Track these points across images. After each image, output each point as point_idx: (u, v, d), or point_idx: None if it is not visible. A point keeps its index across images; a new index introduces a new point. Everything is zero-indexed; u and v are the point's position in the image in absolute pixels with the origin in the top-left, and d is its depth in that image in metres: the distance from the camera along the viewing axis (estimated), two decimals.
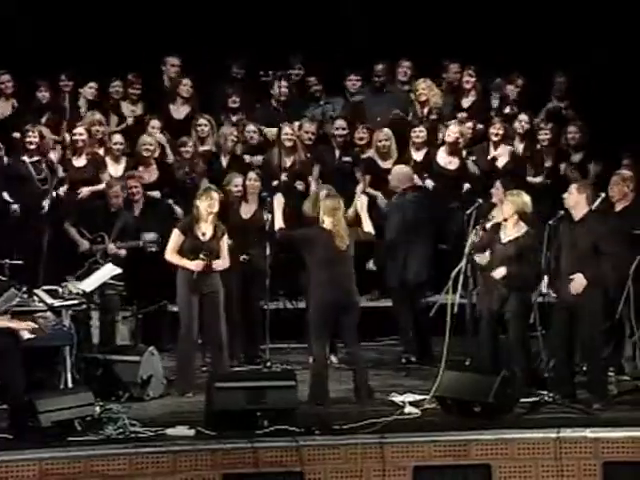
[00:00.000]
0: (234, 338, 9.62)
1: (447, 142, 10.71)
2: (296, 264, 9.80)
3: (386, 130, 10.85)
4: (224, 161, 10.74)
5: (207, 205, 8.99)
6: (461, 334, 8.92)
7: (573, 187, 8.62)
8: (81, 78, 11.16)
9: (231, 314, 9.57)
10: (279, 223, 8.83)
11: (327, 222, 8.71)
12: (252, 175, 9.99)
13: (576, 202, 8.53)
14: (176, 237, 9.03)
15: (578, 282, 8.37)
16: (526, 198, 8.82)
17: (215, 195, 9.05)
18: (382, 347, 10.22)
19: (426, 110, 11.26)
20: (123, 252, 9.74)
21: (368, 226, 8.93)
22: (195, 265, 8.90)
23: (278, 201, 8.98)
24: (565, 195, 8.59)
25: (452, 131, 10.70)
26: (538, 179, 10.75)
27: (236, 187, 10.03)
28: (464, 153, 10.87)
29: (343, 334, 8.80)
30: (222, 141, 10.77)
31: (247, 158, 10.88)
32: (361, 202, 8.95)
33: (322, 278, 8.66)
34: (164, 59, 11.52)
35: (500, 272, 8.63)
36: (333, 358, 9.70)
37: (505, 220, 8.77)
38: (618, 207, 9.28)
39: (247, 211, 9.85)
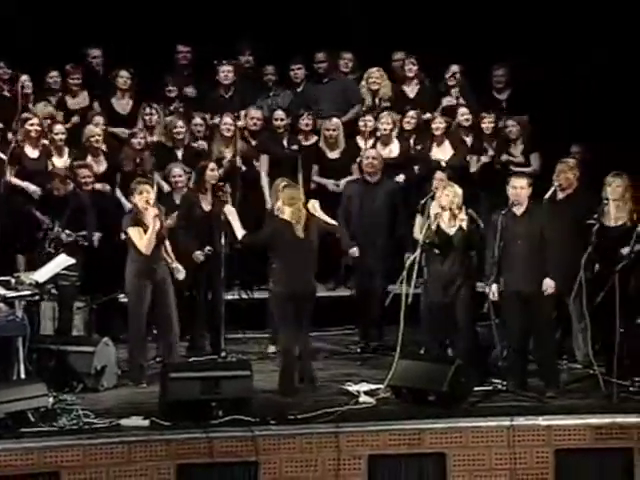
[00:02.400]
0: (199, 329, 9.62)
1: (381, 133, 10.70)
2: (251, 254, 9.87)
3: (335, 120, 10.80)
4: (179, 153, 10.64)
5: (140, 199, 8.94)
6: (416, 323, 8.96)
7: (525, 182, 8.67)
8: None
9: (197, 305, 9.59)
10: (240, 231, 8.84)
11: (286, 212, 8.72)
12: (212, 165, 9.91)
13: (526, 197, 8.63)
14: (136, 232, 8.94)
15: (548, 284, 8.49)
16: (459, 190, 8.91)
17: (146, 187, 8.98)
18: (337, 337, 10.23)
19: (377, 100, 11.22)
20: (72, 239, 9.58)
21: (329, 219, 8.95)
22: (152, 221, 8.77)
23: (229, 210, 8.98)
24: (514, 189, 8.63)
25: (385, 123, 10.67)
26: (477, 165, 10.75)
27: (174, 178, 9.98)
28: (411, 142, 10.87)
29: (298, 323, 8.77)
30: (173, 134, 10.65)
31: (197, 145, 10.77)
32: (312, 205, 8.92)
33: (282, 268, 8.68)
34: (86, 51, 11.33)
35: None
36: (273, 348, 9.69)
37: (443, 209, 8.83)
38: (562, 195, 9.34)
39: (207, 202, 9.79)
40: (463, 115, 10.89)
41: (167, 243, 9.06)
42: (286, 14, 11.62)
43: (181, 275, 9.06)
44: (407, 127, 10.91)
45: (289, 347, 8.75)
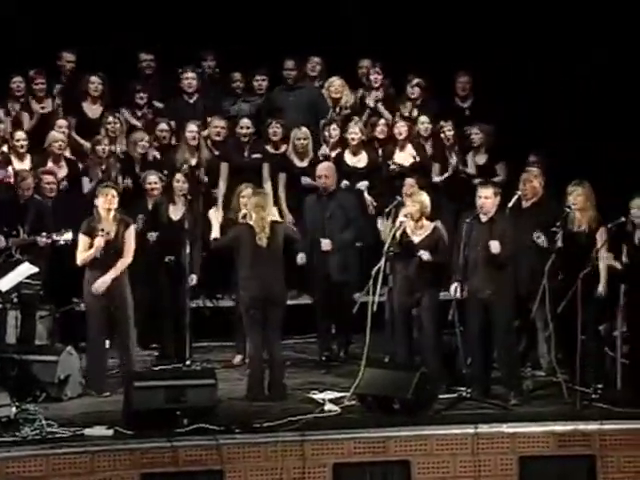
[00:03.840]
0: (166, 338, 9.62)
1: (350, 142, 10.71)
2: (216, 262, 9.89)
3: (304, 129, 10.80)
4: (137, 168, 10.58)
5: (103, 202, 8.89)
6: (381, 331, 8.99)
7: (490, 192, 8.71)
8: None
9: (161, 314, 9.57)
10: (215, 233, 8.84)
11: (253, 218, 8.75)
12: (179, 176, 9.90)
13: (493, 205, 8.67)
14: (82, 241, 8.93)
15: (494, 246, 8.48)
16: (426, 198, 8.94)
17: (112, 191, 8.95)
18: (302, 345, 10.22)
19: (338, 108, 11.23)
20: (50, 242, 9.42)
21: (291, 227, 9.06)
22: (97, 243, 8.77)
23: (211, 213, 8.96)
24: (479, 199, 8.67)
25: (353, 132, 10.68)
26: (442, 177, 10.78)
27: (149, 184, 9.98)
28: (380, 151, 10.90)
29: (265, 330, 8.80)
30: (133, 148, 10.61)
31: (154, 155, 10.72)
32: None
33: (247, 274, 8.72)
34: (59, 54, 11.26)
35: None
36: (238, 358, 9.70)
37: (409, 217, 8.84)
38: (527, 204, 9.39)
39: (176, 213, 9.76)
40: (423, 123, 10.93)
41: (127, 252, 8.92)
42: (252, 19, 11.64)
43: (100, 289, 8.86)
44: (380, 136, 10.90)
45: (256, 353, 8.75)
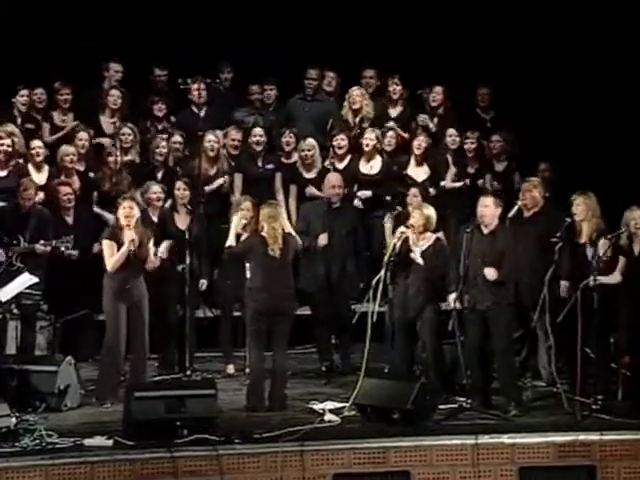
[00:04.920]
0: (170, 347, 9.62)
1: (364, 150, 10.72)
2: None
3: (309, 140, 10.80)
4: (159, 175, 10.58)
5: (122, 214, 8.95)
6: (381, 342, 8.97)
7: (490, 201, 8.70)
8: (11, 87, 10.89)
9: (168, 323, 9.57)
10: (230, 241, 8.91)
11: (265, 229, 8.75)
12: (180, 184, 9.91)
13: (493, 216, 8.66)
14: (109, 246, 8.93)
15: (489, 273, 8.50)
16: (432, 211, 8.94)
17: (130, 203, 9.00)
18: (302, 355, 10.21)
19: (358, 118, 11.18)
20: (48, 249, 9.46)
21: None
22: (125, 247, 8.80)
23: (233, 220, 9.09)
24: (479, 207, 8.68)
25: (369, 138, 10.69)
26: (457, 184, 10.76)
27: (155, 194, 9.96)
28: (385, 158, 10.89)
29: (272, 340, 8.79)
30: (153, 155, 10.63)
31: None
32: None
33: (257, 285, 8.72)
34: (107, 65, 11.27)
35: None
36: (230, 368, 9.69)
37: (412, 227, 8.83)
38: (528, 214, 9.38)
39: (182, 222, 9.79)
40: (451, 136, 10.89)
41: (153, 262, 8.98)
42: (266, 30, 11.66)
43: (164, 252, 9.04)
44: (387, 148, 10.92)
45: (258, 364, 8.73)
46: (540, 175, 10.15)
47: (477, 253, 8.61)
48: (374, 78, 11.51)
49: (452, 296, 8.61)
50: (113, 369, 8.92)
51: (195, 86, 10.89)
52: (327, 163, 10.76)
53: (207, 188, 10.34)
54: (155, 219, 9.87)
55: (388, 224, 10.00)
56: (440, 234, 9.07)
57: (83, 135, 10.63)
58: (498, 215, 8.71)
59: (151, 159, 10.69)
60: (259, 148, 10.70)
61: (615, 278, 8.66)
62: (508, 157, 10.80)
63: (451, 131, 10.89)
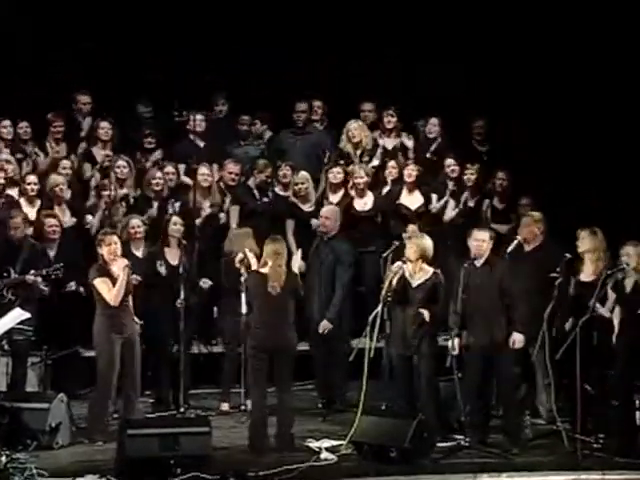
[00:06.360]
0: (164, 384, 9.52)
1: (356, 186, 10.65)
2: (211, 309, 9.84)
3: (302, 173, 10.76)
4: (154, 206, 10.52)
5: (107, 251, 8.85)
6: (377, 378, 8.87)
7: (487, 235, 8.66)
8: None
9: (164, 358, 9.48)
10: (254, 265, 8.83)
11: (269, 265, 8.65)
12: (176, 219, 9.81)
13: (487, 249, 8.61)
14: (103, 282, 8.84)
15: (516, 338, 8.45)
16: (428, 242, 8.85)
17: (114, 238, 8.93)
18: (298, 392, 9.94)
19: (359, 151, 11.15)
20: (40, 280, 9.36)
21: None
22: (124, 266, 8.74)
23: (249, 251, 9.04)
24: (476, 242, 8.62)
25: (359, 176, 10.63)
26: (452, 214, 10.69)
27: (133, 229, 9.84)
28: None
29: (275, 378, 8.69)
30: (149, 186, 10.57)
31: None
32: (299, 264, 8.95)
33: (256, 323, 8.62)
34: (74, 96, 11.29)
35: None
36: (225, 406, 9.60)
37: (409, 261, 8.74)
38: (527, 248, 9.31)
39: (173, 257, 9.69)
40: (449, 166, 10.83)
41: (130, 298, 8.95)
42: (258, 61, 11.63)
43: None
44: (389, 178, 10.84)
45: (259, 402, 8.61)
46: (521, 210, 10.07)
47: (475, 287, 8.55)
48: (373, 112, 11.49)
49: (453, 342, 8.48)
50: (104, 405, 8.82)
51: (197, 117, 10.85)
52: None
53: (197, 221, 10.24)
54: (138, 253, 9.76)
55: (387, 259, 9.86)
56: (438, 270, 8.93)
57: (66, 163, 10.57)
58: (491, 247, 8.66)
59: (145, 191, 10.60)
60: (258, 180, 10.66)
61: (606, 312, 8.54)
62: (507, 195, 10.70)
63: (449, 161, 10.85)
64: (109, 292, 8.77)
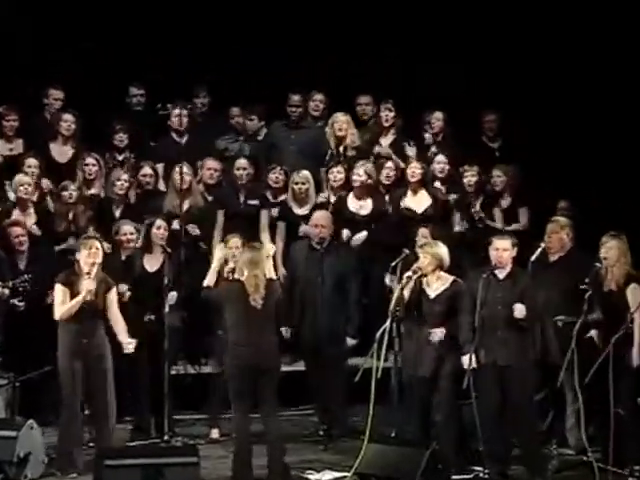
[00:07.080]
0: (142, 409, 9.00)
1: (354, 186, 10.05)
2: (199, 324, 9.25)
3: (304, 172, 10.12)
4: (117, 212, 9.89)
5: (86, 255, 8.25)
6: (385, 401, 8.30)
7: (508, 244, 8.12)
8: None
9: (140, 381, 8.94)
10: (209, 280, 8.25)
11: (244, 276, 7.98)
12: (159, 223, 9.19)
13: (509, 258, 8.09)
14: (61, 292, 8.27)
15: (518, 309, 7.90)
16: (443, 249, 8.31)
17: (95, 243, 8.33)
18: (297, 417, 9.59)
19: (342, 148, 10.51)
20: (7, 292, 8.80)
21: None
22: (80, 298, 8.13)
23: (218, 254, 8.46)
24: (496, 251, 8.09)
25: (357, 174, 10.02)
26: (463, 226, 10.08)
27: (125, 236, 9.27)
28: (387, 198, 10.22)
29: (259, 401, 8.04)
30: (112, 188, 9.93)
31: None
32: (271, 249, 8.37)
33: (237, 340, 8.00)
34: (46, 91, 10.67)
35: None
36: (215, 432, 9.08)
37: (425, 275, 8.20)
38: (553, 257, 8.70)
39: (152, 264, 9.10)
40: (439, 163, 10.23)
41: (117, 318, 8.33)
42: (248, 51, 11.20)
43: (130, 347, 8.34)
44: (386, 182, 10.23)
45: (241, 428, 7.99)
46: (559, 214, 9.43)
47: (495, 301, 8.02)
48: (370, 105, 10.87)
49: (466, 358, 7.94)
50: (71, 432, 8.22)
51: (176, 112, 10.23)
52: (319, 198, 10.06)
53: (173, 227, 9.51)
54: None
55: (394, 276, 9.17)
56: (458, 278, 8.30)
57: (32, 162, 9.88)
58: (513, 256, 8.13)
59: (110, 193, 9.97)
60: (243, 181, 10.03)
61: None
62: (512, 192, 10.12)
63: (439, 158, 10.24)
64: (60, 304, 8.20)
